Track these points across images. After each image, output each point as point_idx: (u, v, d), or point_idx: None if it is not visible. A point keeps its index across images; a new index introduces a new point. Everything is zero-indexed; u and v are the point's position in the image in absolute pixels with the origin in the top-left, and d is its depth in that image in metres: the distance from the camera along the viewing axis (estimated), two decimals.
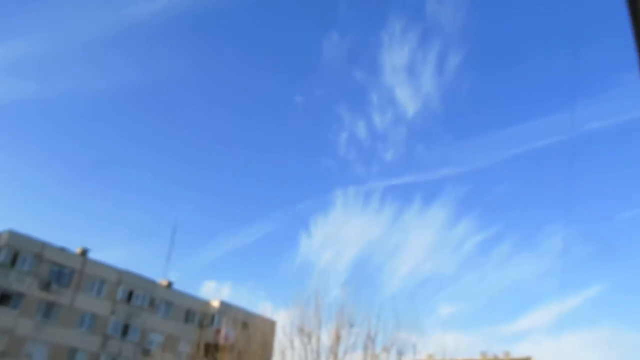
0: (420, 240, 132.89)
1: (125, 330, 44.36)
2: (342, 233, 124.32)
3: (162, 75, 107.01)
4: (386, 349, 15.99)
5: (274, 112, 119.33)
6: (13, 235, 39.42)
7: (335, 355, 16.19)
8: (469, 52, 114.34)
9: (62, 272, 41.50)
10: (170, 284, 51.14)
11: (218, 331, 47.92)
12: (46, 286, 39.66)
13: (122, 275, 45.42)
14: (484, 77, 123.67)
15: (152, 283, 48.12)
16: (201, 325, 49.63)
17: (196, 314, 50.74)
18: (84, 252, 44.35)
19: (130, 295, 45.40)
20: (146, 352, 44.01)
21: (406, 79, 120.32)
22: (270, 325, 22.32)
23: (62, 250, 42.75)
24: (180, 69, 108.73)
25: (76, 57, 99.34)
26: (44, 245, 40.75)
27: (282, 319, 17.87)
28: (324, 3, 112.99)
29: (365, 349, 16.21)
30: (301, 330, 16.57)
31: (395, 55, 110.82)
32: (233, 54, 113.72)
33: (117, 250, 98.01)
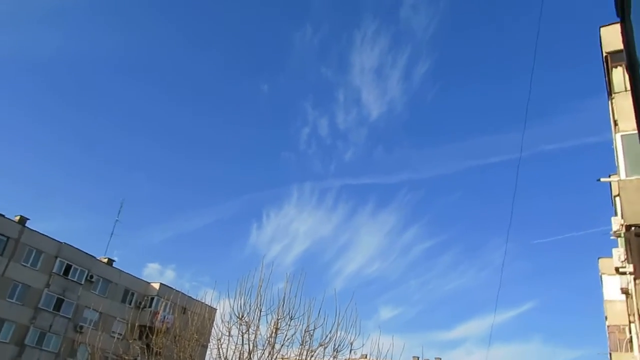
0: (370, 242, 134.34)
1: (58, 304, 42.95)
2: (294, 227, 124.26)
3: (128, 52, 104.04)
4: (323, 344, 16.16)
5: (239, 98, 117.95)
6: None
7: (272, 346, 16.25)
8: (436, 62, 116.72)
9: None
10: (111, 262, 49.90)
11: (155, 314, 47.10)
12: None
13: (62, 248, 43.93)
14: (448, 89, 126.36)
15: (92, 259, 46.80)
16: (138, 307, 48.67)
17: (135, 295, 49.73)
18: (23, 221, 42.60)
19: (67, 269, 43.96)
20: (78, 328, 42.79)
21: (373, 81, 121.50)
22: (210, 312, 22.13)
23: None
24: (143, 46, 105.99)
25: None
26: None
27: (224, 307, 17.79)
28: None
29: (302, 342, 16.34)
30: (240, 319, 16.53)
31: (365, 57, 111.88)
32: (205, 37, 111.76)
33: (59, 222, 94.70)
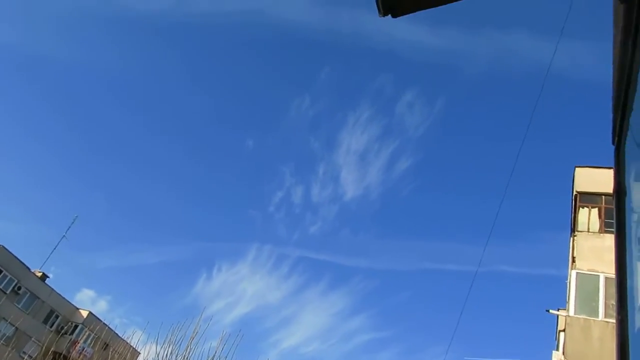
0: (314, 321, 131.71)
1: None
2: (243, 287, 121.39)
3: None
4: None
5: (221, 145, 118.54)
6: None
7: None
8: (419, 161, 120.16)
9: None
10: (45, 277, 47.45)
11: (75, 343, 44.36)
12: None
13: None
14: (423, 189, 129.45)
15: (26, 270, 44.40)
16: (59, 331, 45.83)
17: (59, 318, 46.90)
18: None
19: None
20: None
21: (356, 164, 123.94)
22: (133, 354, 21.03)
23: None
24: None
25: None
26: None
27: (149, 352, 16.92)
28: (310, 66, 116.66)
29: None
30: None
31: (354, 139, 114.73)
32: (205, 77, 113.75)
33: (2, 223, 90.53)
